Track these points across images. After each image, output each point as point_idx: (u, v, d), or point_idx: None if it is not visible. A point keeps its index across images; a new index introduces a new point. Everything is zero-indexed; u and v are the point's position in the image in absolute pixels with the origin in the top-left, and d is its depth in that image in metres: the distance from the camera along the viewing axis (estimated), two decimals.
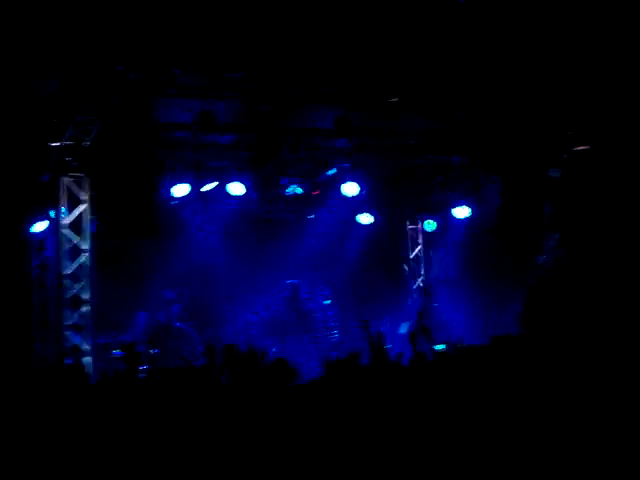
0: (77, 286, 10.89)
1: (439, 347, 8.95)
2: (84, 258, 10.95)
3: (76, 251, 10.97)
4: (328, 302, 13.35)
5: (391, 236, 15.09)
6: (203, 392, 5.06)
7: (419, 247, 15.47)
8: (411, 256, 15.47)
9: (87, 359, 10.72)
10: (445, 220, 14.50)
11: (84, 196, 10.99)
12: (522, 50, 9.48)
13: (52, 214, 11.37)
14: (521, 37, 9.47)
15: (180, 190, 12.05)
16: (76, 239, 10.93)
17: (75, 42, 8.99)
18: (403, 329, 13.22)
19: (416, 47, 9.46)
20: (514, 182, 11.38)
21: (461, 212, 13.52)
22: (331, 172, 12.79)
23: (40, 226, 11.55)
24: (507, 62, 9.70)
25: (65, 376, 5.80)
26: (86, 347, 10.81)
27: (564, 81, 10.01)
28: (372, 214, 14.07)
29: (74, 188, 10.95)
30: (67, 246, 10.91)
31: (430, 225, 14.63)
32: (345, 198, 13.17)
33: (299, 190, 12.67)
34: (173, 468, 4.13)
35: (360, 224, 14.05)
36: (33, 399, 5.41)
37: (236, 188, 12.48)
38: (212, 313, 13.11)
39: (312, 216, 13.74)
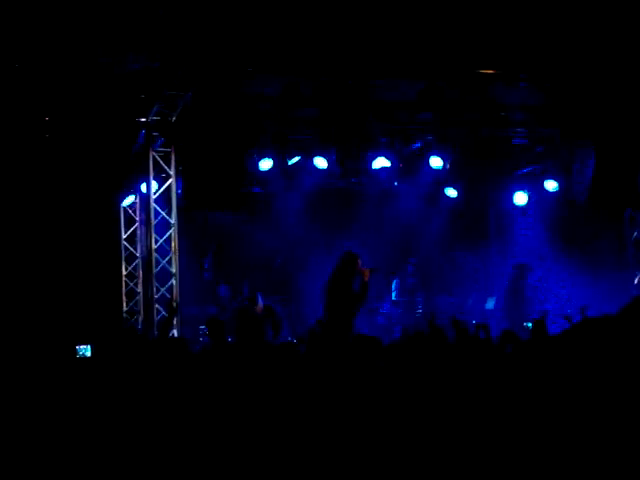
0: (165, 259, 11.10)
1: (528, 324, 8.81)
2: (172, 231, 11.15)
3: (164, 225, 11.17)
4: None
5: (476, 209, 14.84)
6: (288, 366, 5.05)
7: (503, 221, 15.20)
8: (495, 231, 15.22)
9: (174, 331, 10.94)
10: (533, 194, 14.15)
11: (171, 170, 11.18)
12: (618, 14, 9.12)
13: (141, 188, 11.60)
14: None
15: (265, 164, 12.11)
16: (164, 213, 11.14)
17: (163, 21, 9.06)
18: (489, 304, 13.03)
19: (501, 15, 9.21)
20: (607, 154, 11.00)
21: (550, 185, 13.15)
22: (415, 145, 12.62)
23: (129, 200, 11.78)
24: (601, 27, 9.35)
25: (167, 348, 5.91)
26: (173, 319, 11.01)
27: None
28: (456, 188, 13.85)
29: (162, 162, 11.15)
30: (155, 220, 11.11)
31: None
32: (430, 171, 12.98)
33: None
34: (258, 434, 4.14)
35: (445, 197, 13.85)
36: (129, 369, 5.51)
37: (320, 162, 12.46)
38: (297, 287, 13.18)
39: (396, 183, 13.53)
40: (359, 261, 10.05)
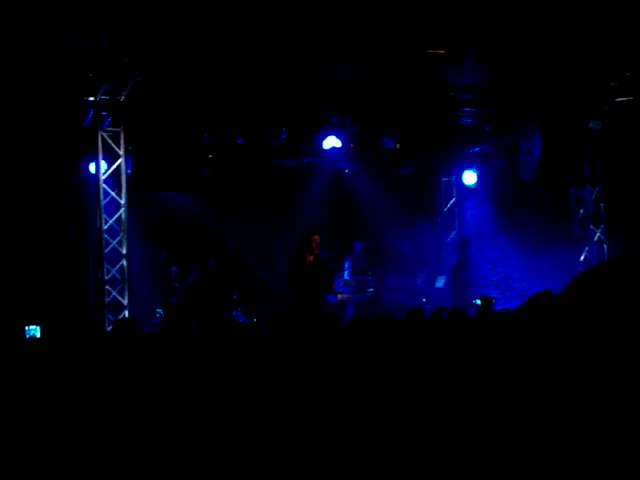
0: (115, 240, 11.00)
1: (477, 301, 9.00)
2: (121, 212, 11.03)
3: (114, 205, 11.04)
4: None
5: (426, 189, 14.99)
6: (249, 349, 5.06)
7: (453, 200, 15.42)
8: (445, 209, 15.43)
9: (124, 313, 10.89)
10: (482, 173, 14.35)
11: (120, 150, 11.04)
12: None
13: (90, 168, 11.46)
14: None
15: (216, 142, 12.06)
16: (114, 193, 11.01)
17: None
18: (439, 283, 13.22)
19: None
20: (554, 134, 11.20)
21: (499, 164, 13.36)
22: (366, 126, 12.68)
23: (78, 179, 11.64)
24: (547, 8, 9.47)
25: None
26: (124, 301, 10.95)
27: (607, 30, 9.77)
28: (407, 166, 13.99)
29: (111, 142, 11.00)
30: (105, 200, 10.99)
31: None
32: (381, 150, 13.07)
33: None
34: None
35: (395, 176, 13.98)
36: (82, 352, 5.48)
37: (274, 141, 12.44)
38: (246, 268, 13.21)
39: (347, 171, 13.69)
40: (315, 237, 10.04)
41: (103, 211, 10.93)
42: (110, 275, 10.92)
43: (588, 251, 13.06)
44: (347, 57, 10.60)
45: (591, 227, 13.06)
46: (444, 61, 10.03)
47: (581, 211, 13.12)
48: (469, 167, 14.47)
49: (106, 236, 10.94)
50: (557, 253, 13.19)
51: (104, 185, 10.94)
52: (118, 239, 11.01)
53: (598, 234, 13.06)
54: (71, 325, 11.27)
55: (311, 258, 9.93)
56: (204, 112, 11.28)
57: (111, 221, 10.98)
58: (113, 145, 10.98)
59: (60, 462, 3.94)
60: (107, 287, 10.87)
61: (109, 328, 10.29)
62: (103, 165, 10.97)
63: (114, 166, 10.99)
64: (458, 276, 12.70)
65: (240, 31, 9.13)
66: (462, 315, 7.67)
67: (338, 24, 9.39)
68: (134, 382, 4.73)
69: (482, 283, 12.55)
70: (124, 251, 11.01)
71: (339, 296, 12.41)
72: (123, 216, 11.03)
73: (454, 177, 15.29)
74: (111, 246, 10.95)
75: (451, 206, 15.45)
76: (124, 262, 11.00)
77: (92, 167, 11.35)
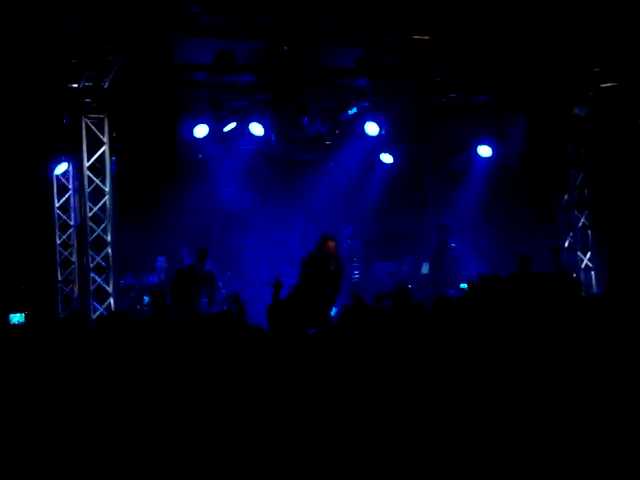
0: (99, 228, 10.95)
1: (463, 286, 9.04)
2: (106, 200, 10.98)
3: (98, 193, 10.99)
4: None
5: (412, 175, 14.97)
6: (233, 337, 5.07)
7: (435, 186, 15.40)
8: (429, 195, 15.41)
9: (110, 300, 10.87)
10: (467, 160, 14.33)
11: (104, 137, 10.98)
12: None
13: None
14: None
15: (200, 131, 12.01)
16: (98, 181, 10.95)
17: None
18: (424, 269, 13.24)
19: None
20: (539, 120, 11.21)
21: (484, 151, 13.35)
22: (352, 112, 12.64)
23: (62, 168, 11.55)
24: None
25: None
26: (109, 289, 10.93)
27: (591, 16, 9.79)
28: (392, 153, 13.95)
29: (95, 129, 10.94)
30: (89, 188, 10.93)
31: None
32: (366, 137, 13.04)
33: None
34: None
35: (381, 163, 13.95)
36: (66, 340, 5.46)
37: (256, 129, 12.41)
38: (233, 252, 13.18)
39: (331, 163, 13.73)
40: (330, 243, 10.18)
41: (87, 198, 10.89)
42: (95, 263, 10.89)
43: (572, 237, 13.14)
44: (333, 43, 10.60)
45: (575, 213, 13.13)
46: (429, 47, 10.02)
47: (565, 197, 13.19)
48: (454, 154, 14.44)
49: (91, 224, 10.90)
50: (542, 239, 13.22)
51: (88, 172, 10.90)
52: (103, 226, 10.97)
53: (582, 220, 13.13)
54: (56, 313, 11.24)
55: (324, 261, 10.08)
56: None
57: (95, 208, 10.93)
58: (97, 132, 10.93)
59: (49, 448, 3.95)
60: (92, 275, 10.85)
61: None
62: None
63: (98, 153, 10.94)
64: (438, 263, 12.72)
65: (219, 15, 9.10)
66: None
67: (322, 8, 9.38)
68: (123, 369, 4.73)
69: (464, 270, 12.54)
70: (109, 238, 10.98)
71: None
72: (108, 203, 10.99)
73: (439, 163, 15.28)
74: (96, 234, 10.92)
75: (434, 192, 15.44)
76: (109, 250, 10.96)
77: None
